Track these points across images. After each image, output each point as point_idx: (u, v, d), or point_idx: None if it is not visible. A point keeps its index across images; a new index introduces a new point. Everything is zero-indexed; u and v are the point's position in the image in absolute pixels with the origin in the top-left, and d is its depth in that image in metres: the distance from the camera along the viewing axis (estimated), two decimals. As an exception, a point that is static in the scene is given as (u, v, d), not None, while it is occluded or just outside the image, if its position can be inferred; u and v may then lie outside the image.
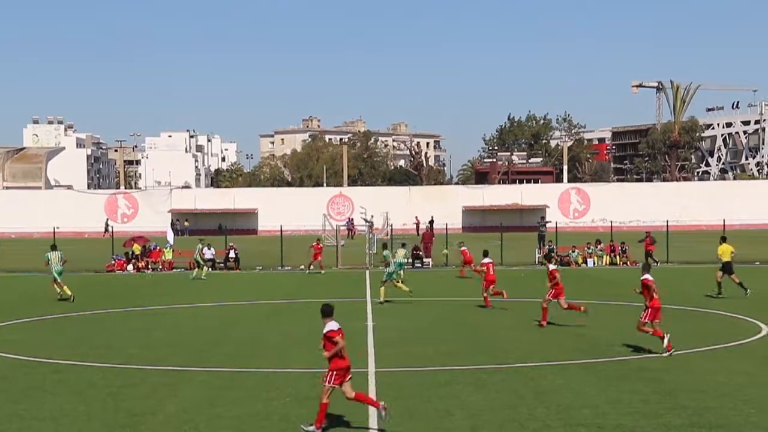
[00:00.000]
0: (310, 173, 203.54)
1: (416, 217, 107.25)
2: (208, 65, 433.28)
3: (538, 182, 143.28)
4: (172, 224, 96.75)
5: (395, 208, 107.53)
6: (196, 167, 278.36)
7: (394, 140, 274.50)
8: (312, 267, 56.07)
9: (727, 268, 41.16)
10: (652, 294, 26.30)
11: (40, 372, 24.07)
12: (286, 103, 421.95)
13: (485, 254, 37.92)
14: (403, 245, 50.07)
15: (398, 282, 41.49)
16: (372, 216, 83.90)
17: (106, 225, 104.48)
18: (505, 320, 33.61)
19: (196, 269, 55.06)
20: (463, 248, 51.51)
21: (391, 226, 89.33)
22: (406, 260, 48.94)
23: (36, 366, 25.00)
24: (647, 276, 26.57)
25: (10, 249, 78.69)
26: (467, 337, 29.34)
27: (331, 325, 17.46)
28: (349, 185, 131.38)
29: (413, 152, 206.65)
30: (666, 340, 25.97)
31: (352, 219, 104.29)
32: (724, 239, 42.55)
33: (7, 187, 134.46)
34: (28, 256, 67.59)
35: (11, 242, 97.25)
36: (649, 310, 26.24)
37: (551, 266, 32.63)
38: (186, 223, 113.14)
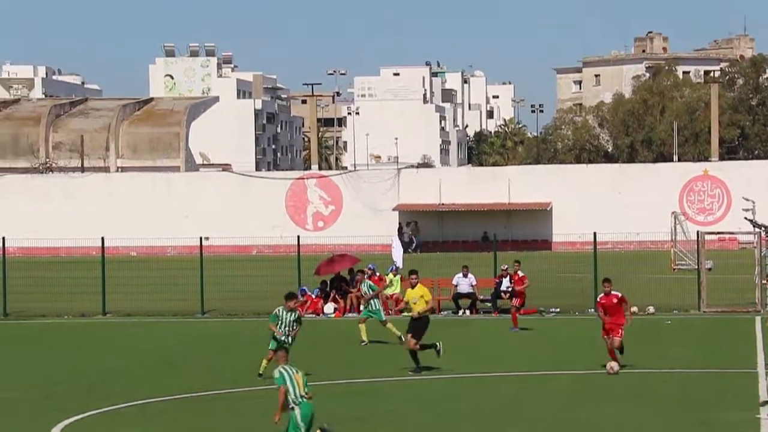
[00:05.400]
0: (648, 137, 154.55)
1: None
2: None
3: None
4: (401, 232, 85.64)
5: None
6: (443, 129, 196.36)
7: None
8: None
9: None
10: None
11: None
12: (602, 10, 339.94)
13: None
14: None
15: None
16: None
17: (401, 230, 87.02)
18: None
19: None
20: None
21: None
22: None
23: None
24: None
25: (137, 274, 63.38)
26: None
27: None
28: (721, 158, 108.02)
29: None
30: None
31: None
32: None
33: (122, 168, 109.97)
34: (169, 287, 55.24)
35: (133, 263, 75.55)
36: None
37: None
38: (408, 230, 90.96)
